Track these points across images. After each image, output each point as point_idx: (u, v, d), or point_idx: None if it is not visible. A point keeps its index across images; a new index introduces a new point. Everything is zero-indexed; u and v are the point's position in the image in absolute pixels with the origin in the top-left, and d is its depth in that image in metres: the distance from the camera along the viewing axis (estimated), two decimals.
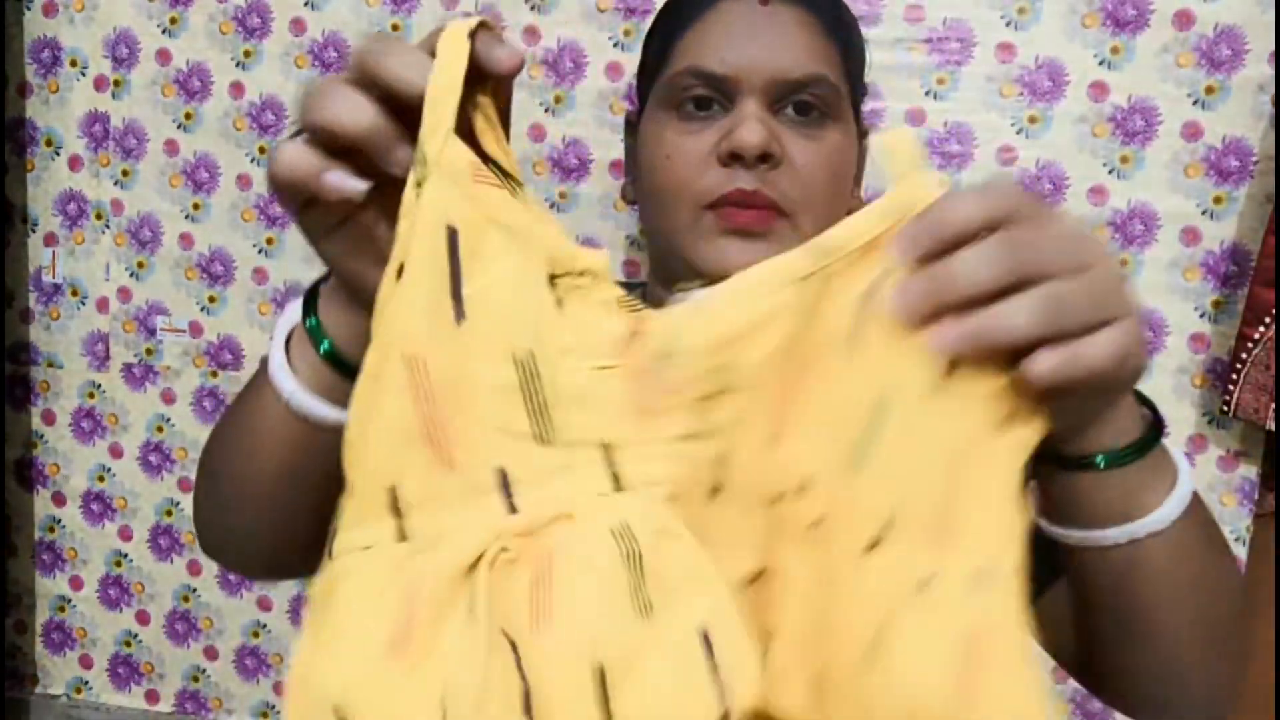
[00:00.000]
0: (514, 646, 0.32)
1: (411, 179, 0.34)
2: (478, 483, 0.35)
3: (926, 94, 0.97)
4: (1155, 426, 0.42)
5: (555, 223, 0.37)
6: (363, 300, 0.39)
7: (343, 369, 0.42)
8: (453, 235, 0.34)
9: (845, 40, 0.62)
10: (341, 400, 0.40)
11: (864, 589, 0.35)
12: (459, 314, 0.35)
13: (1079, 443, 0.39)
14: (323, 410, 0.43)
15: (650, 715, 0.32)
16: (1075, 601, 0.50)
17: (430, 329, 0.35)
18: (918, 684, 0.33)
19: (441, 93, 0.34)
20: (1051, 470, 0.41)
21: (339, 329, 0.42)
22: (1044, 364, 0.32)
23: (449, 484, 0.35)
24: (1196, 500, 0.44)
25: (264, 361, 0.46)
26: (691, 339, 0.35)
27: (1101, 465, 0.39)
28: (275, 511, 0.48)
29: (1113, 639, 0.48)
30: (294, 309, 0.45)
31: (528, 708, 0.32)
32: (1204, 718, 0.51)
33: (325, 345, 0.42)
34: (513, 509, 0.35)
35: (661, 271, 0.65)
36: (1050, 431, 0.35)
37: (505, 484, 0.35)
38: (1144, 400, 0.42)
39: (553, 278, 0.35)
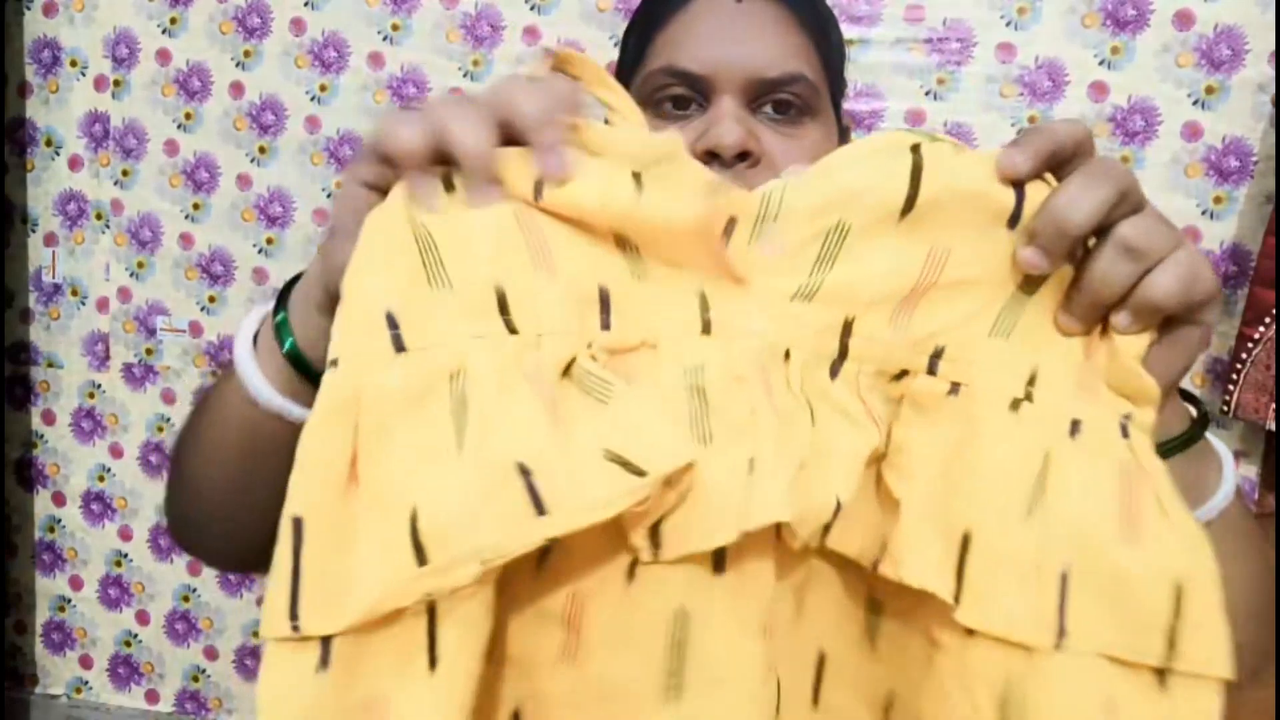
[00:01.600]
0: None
1: None
2: (580, 293, 0.36)
3: (926, 94, 0.98)
4: (1201, 421, 0.43)
5: (640, 128, 0.39)
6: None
7: (304, 370, 0.42)
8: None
9: (822, 36, 0.61)
10: (302, 399, 0.41)
11: (1017, 441, 0.35)
12: (536, 193, 0.35)
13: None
14: (280, 403, 0.43)
15: (691, 515, 0.34)
16: None
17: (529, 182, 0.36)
18: (1085, 517, 0.34)
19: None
20: None
21: (305, 329, 0.42)
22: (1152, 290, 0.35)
23: (552, 290, 0.36)
24: (1237, 488, 0.45)
25: (216, 380, 0.46)
26: (797, 199, 0.36)
27: (1161, 453, 0.39)
28: (236, 501, 0.48)
29: None
30: (262, 306, 0.45)
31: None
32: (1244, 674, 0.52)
33: (289, 343, 0.42)
34: (607, 325, 0.37)
35: None
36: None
37: (606, 303, 0.37)
38: (1189, 398, 0.44)
39: (635, 175, 0.36)
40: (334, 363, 0.34)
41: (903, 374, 0.38)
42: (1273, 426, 0.89)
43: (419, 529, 0.32)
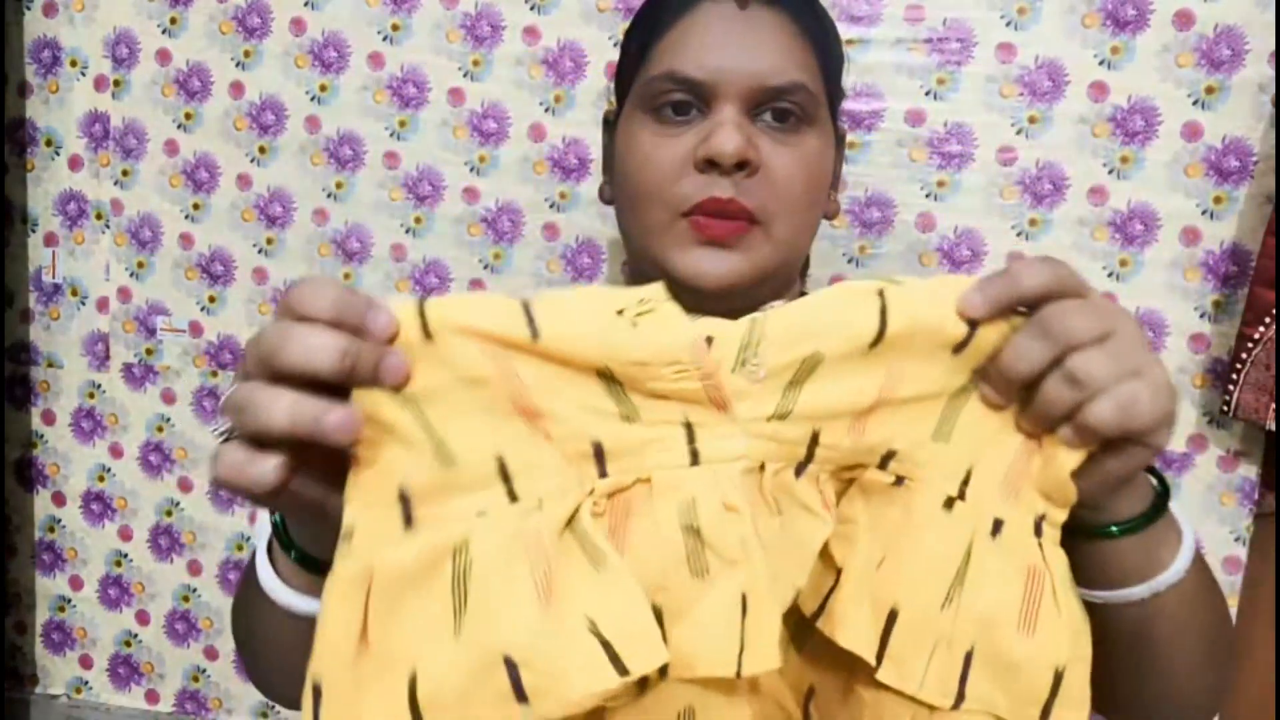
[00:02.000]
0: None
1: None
2: (576, 452, 0.40)
3: (926, 94, 0.97)
4: (1163, 494, 0.46)
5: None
6: (325, 519, 0.40)
7: (314, 568, 0.45)
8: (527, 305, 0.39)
9: (823, 44, 0.62)
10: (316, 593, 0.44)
11: (946, 535, 0.42)
12: (534, 333, 0.38)
13: (1098, 515, 0.45)
14: (300, 605, 0.46)
15: (693, 651, 0.39)
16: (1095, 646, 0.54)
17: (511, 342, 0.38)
18: (993, 610, 0.41)
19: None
20: (1075, 541, 0.45)
21: (303, 536, 0.45)
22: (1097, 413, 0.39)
23: (547, 453, 0.39)
24: (1197, 553, 0.49)
25: (252, 560, 0.48)
26: (777, 330, 0.40)
27: (1116, 534, 0.45)
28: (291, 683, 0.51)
29: (1130, 675, 0.51)
30: (264, 520, 0.48)
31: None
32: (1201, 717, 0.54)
33: (294, 554, 0.45)
34: (604, 473, 0.40)
35: (636, 272, 0.65)
36: (1078, 501, 0.42)
37: (600, 455, 0.40)
38: (1151, 470, 0.47)
39: (619, 312, 0.39)
40: (348, 535, 0.37)
41: (857, 469, 0.43)
42: (1273, 426, 0.89)
43: (417, 697, 0.36)
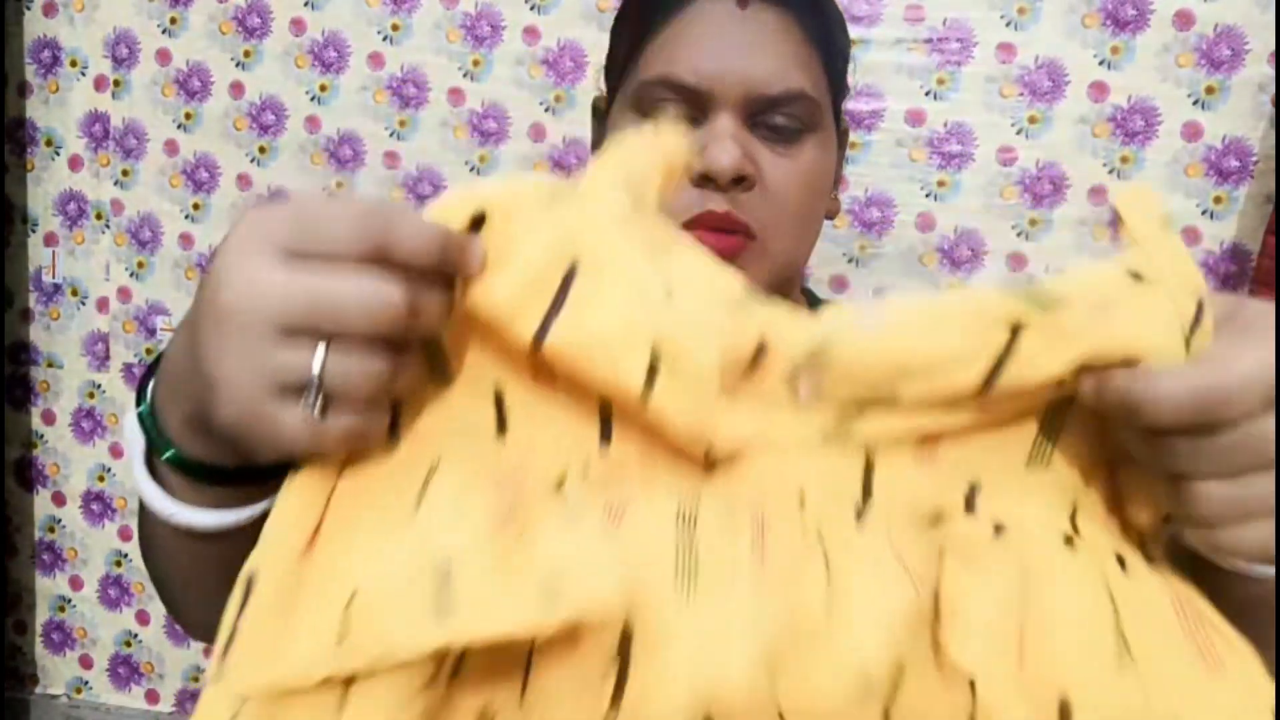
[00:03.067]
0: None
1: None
2: (581, 410, 0.35)
3: (926, 94, 0.97)
4: None
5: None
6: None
7: (191, 470, 0.37)
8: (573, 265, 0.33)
9: (827, 43, 0.59)
10: (218, 501, 0.38)
11: (1079, 583, 0.33)
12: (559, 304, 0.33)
13: None
14: (203, 519, 0.38)
15: (660, 677, 0.32)
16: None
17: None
18: (1174, 663, 0.32)
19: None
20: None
21: (182, 432, 0.37)
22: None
23: (550, 405, 0.35)
24: None
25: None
26: (855, 361, 0.32)
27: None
28: (202, 607, 0.44)
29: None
30: (130, 425, 0.39)
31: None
32: None
33: (171, 453, 0.37)
34: (607, 439, 0.35)
35: None
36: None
37: (607, 419, 0.35)
38: None
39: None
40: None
41: (938, 517, 0.34)
42: None
43: (351, 609, 0.32)
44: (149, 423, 0.37)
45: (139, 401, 0.38)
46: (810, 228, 0.60)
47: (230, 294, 0.29)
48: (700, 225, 0.54)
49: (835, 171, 0.63)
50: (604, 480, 0.35)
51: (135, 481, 0.39)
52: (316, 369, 0.30)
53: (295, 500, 0.33)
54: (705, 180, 0.54)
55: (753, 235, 0.55)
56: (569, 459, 0.35)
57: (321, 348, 0.30)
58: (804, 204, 0.57)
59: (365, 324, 0.30)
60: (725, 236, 0.54)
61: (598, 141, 0.66)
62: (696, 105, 0.55)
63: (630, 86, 0.58)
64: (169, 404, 0.36)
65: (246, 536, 0.35)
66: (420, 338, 0.33)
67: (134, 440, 0.38)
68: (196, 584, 0.42)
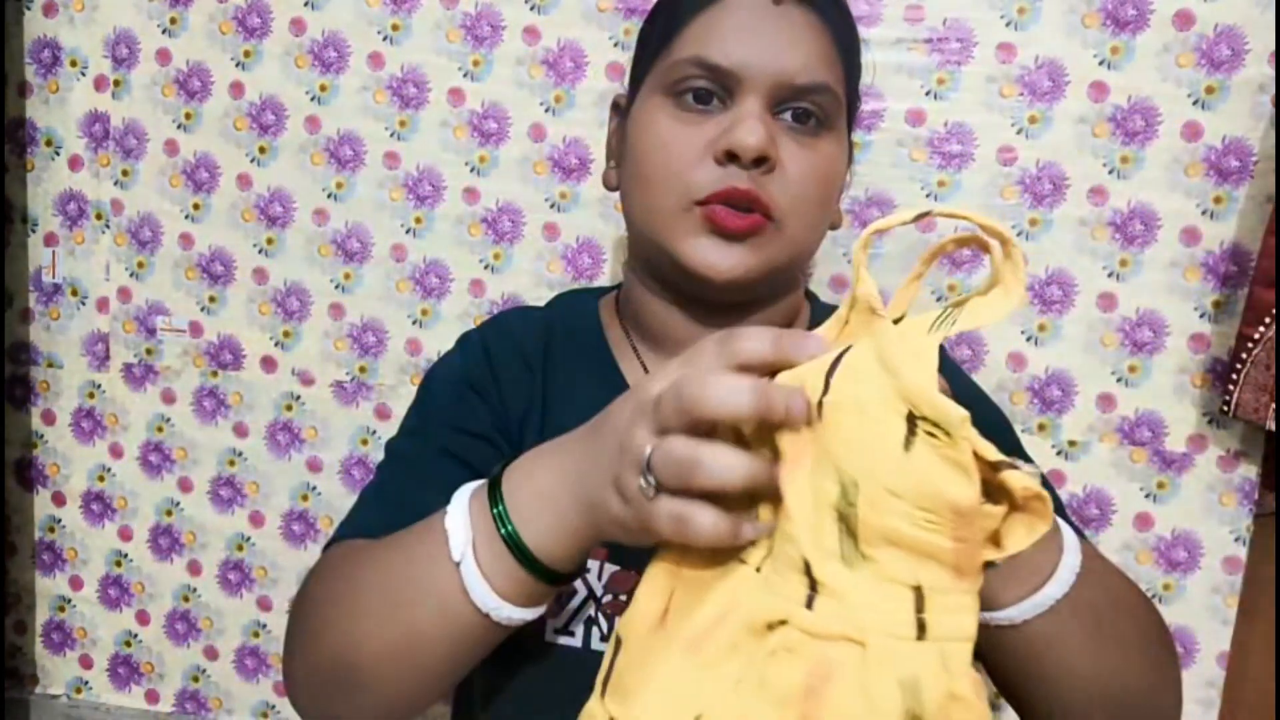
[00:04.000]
0: None
1: (843, 319, 0.41)
2: (791, 560, 0.36)
3: (926, 94, 0.98)
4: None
5: (930, 366, 0.35)
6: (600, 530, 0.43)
7: (528, 563, 0.44)
8: (841, 353, 0.37)
9: (849, 50, 0.61)
10: (520, 598, 0.45)
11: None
12: (818, 415, 0.36)
13: None
14: (520, 614, 0.45)
15: None
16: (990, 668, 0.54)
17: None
18: None
19: (863, 246, 0.39)
20: None
21: (542, 533, 0.44)
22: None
23: (780, 551, 0.37)
24: (1090, 558, 0.48)
25: (420, 537, 0.47)
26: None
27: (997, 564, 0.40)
28: (411, 691, 0.48)
29: (1032, 701, 0.51)
30: (463, 497, 0.46)
31: None
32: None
33: (532, 563, 0.44)
34: (810, 605, 0.35)
35: (639, 258, 0.65)
36: None
37: (810, 576, 0.36)
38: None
39: (911, 417, 0.34)
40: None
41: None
42: (1273, 426, 0.89)
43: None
44: (504, 520, 0.44)
45: (493, 504, 0.44)
46: (823, 220, 0.62)
47: (607, 456, 0.41)
48: (719, 200, 0.55)
49: (844, 178, 0.65)
50: (801, 648, 0.36)
51: (462, 576, 0.44)
52: (645, 454, 0.38)
53: (655, 584, 0.40)
54: (729, 158, 0.55)
55: (772, 217, 0.56)
56: (776, 615, 0.37)
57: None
58: (820, 194, 0.59)
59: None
60: (745, 216, 0.56)
61: (616, 137, 0.67)
62: (725, 87, 0.57)
63: (661, 69, 0.59)
64: (526, 508, 0.44)
65: (511, 631, 0.46)
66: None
67: (460, 538, 0.44)
68: (455, 665, 0.48)
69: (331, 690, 0.50)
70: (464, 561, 0.44)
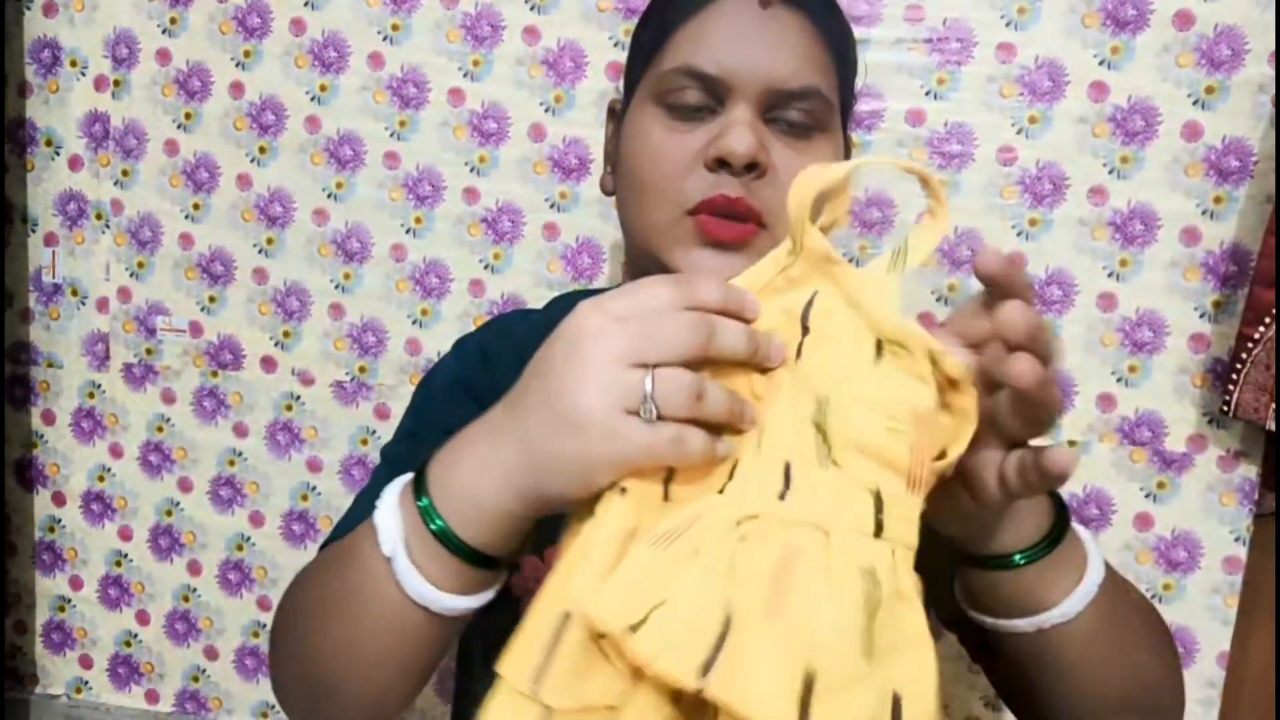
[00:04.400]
0: (728, 620, 0.35)
1: (782, 265, 0.43)
2: (772, 463, 0.40)
3: (926, 94, 0.98)
4: (1061, 519, 0.46)
5: (893, 299, 0.40)
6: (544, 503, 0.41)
7: (461, 552, 0.42)
8: (810, 299, 0.41)
9: (841, 51, 0.61)
10: (465, 587, 0.42)
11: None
12: (796, 354, 0.40)
13: (994, 543, 0.45)
14: (459, 603, 0.43)
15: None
16: (988, 665, 0.55)
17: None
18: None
19: (802, 203, 0.41)
20: (969, 568, 0.47)
21: (470, 514, 0.42)
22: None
23: (757, 459, 0.40)
24: (1111, 579, 0.47)
25: (356, 538, 0.45)
26: None
27: (1021, 562, 0.44)
28: (377, 695, 0.47)
29: (1040, 698, 0.51)
30: (398, 481, 0.45)
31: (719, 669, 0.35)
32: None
33: (464, 552, 0.42)
34: (782, 498, 0.39)
35: (636, 268, 0.65)
36: (971, 534, 0.44)
37: (787, 476, 0.39)
38: (1059, 515, 0.47)
39: (879, 343, 0.39)
40: (623, 490, 0.39)
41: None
42: (1273, 426, 0.89)
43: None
44: (432, 515, 0.42)
45: (419, 498, 0.42)
46: None
47: (584, 396, 0.38)
48: (712, 208, 0.55)
49: None
50: (770, 534, 0.39)
51: (396, 572, 0.42)
52: (649, 387, 0.38)
53: (602, 547, 0.39)
54: (720, 165, 0.55)
55: (764, 224, 0.56)
56: (750, 510, 0.39)
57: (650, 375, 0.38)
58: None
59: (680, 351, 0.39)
60: (737, 224, 0.56)
61: (612, 143, 0.67)
62: (715, 95, 0.57)
63: (652, 77, 0.59)
64: (456, 498, 0.42)
65: (463, 621, 0.44)
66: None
67: (391, 533, 0.43)
68: (410, 663, 0.46)
69: (306, 698, 0.50)
70: (395, 557, 0.42)
